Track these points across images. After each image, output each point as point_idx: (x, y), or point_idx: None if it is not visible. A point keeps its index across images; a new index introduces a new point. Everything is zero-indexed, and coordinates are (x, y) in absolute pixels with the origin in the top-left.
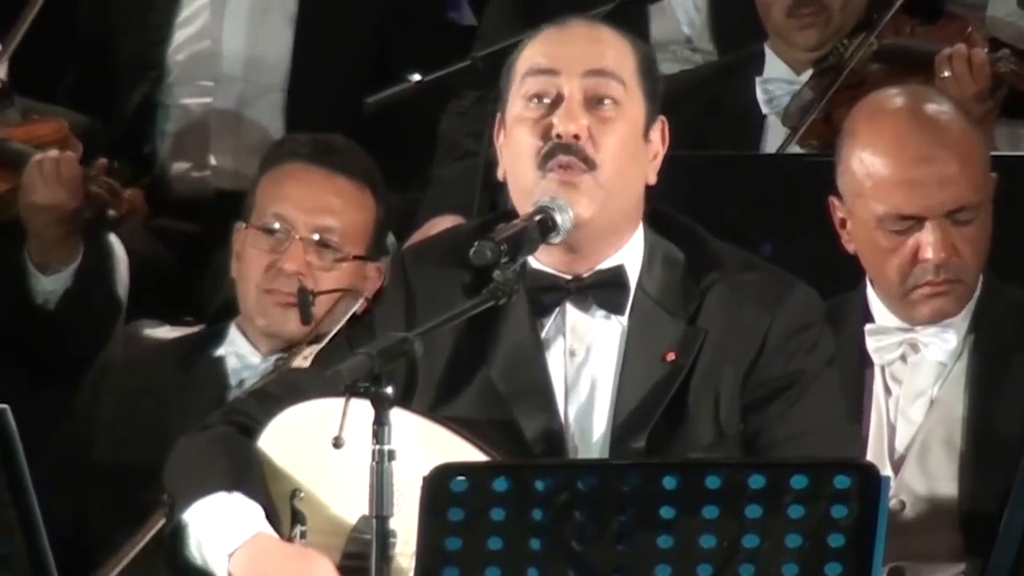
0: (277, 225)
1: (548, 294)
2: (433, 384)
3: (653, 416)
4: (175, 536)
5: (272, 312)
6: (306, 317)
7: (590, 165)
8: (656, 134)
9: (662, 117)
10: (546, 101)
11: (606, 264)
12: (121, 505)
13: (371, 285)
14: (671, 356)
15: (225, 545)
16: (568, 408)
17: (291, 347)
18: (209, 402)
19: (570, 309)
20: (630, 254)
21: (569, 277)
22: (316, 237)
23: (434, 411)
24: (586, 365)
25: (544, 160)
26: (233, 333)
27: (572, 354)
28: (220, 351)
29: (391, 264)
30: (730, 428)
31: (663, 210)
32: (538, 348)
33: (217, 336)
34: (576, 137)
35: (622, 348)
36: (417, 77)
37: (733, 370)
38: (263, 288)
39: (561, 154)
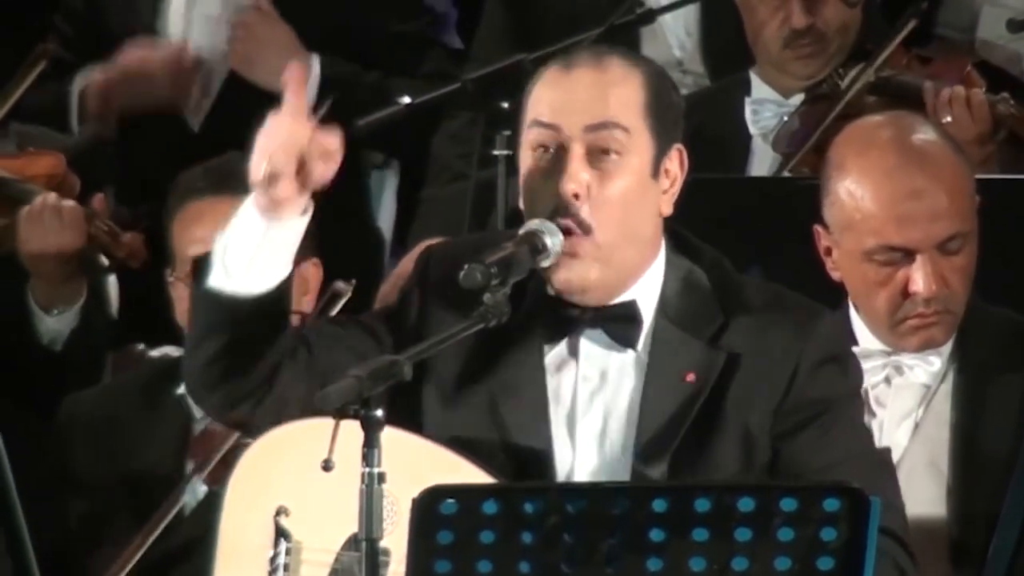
0: None
1: (561, 324)
2: (440, 388)
3: (676, 437)
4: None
5: None
6: None
7: (585, 229)
8: (673, 163)
9: (679, 145)
10: (551, 151)
11: (619, 299)
12: (102, 521)
13: (313, 283)
14: (690, 377)
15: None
16: (577, 432)
17: None
18: (173, 438)
19: (583, 338)
20: (647, 286)
21: (582, 308)
22: None
23: (437, 414)
24: (599, 392)
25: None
26: None
27: (585, 379)
28: (181, 388)
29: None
30: (759, 457)
31: (690, 239)
32: (542, 372)
33: (178, 368)
34: (576, 196)
35: (641, 373)
36: (407, 99)
37: (764, 398)
38: None
39: (559, 217)
